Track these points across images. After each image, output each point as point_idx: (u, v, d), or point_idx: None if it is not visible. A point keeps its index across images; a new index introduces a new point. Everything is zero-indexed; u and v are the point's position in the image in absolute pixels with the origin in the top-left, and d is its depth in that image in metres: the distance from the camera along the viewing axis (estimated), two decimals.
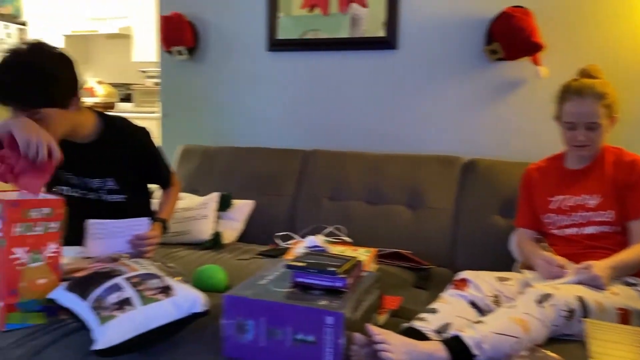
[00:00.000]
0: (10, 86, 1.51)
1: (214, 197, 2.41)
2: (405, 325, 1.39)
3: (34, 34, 5.57)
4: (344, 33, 2.60)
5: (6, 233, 1.31)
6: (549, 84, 2.18)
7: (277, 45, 2.70)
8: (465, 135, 2.44)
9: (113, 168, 1.77)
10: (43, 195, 1.45)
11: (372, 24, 2.54)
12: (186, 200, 2.39)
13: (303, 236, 2.24)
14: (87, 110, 1.74)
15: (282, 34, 2.69)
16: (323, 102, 2.67)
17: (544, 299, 1.33)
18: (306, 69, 2.68)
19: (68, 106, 1.60)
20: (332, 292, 1.26)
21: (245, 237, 2.41)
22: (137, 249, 1.68)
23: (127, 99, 5.34)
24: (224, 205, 2.41)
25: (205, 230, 2.29)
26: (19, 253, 1.33)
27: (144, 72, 5.33)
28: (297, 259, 1.35)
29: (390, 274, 1.88)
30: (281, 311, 1.19)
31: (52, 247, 1.40)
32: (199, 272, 1.75)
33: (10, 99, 1.53)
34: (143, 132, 1.82)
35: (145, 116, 4.21)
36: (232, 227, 2.40)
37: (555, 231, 1.74)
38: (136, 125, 1.81)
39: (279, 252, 2.15)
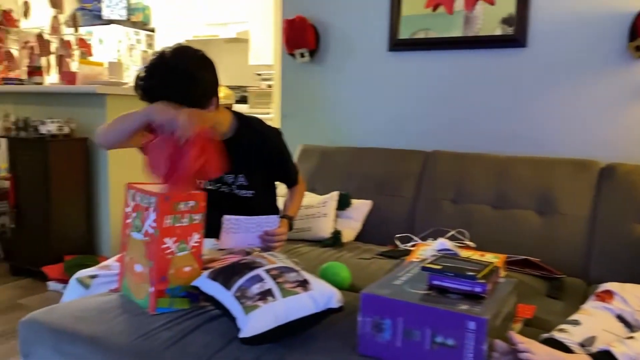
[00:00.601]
0: (156, 88, 1.58)
1: (333, 196, 2.45)
2: (545, 335, 1.32)
3: (160, 40, 6.02)
4: (456, 32, 2.54)
5: (159, 224, 1.41)
6: None
7: (398, 45, 2.69)
8: (603, 138, 2.28)
9: (244, 165, 1.83)
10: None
11: (488, 22, 2.46)
12: (307, 198, 2.44)
13: (423, 239, 2.21)
14: (225, 110, 1.82)
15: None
16: (445, 102, 2.62)
17: None
18: (428, 69, 2.64)
19: (209, 106, 1.67)
20: (471, 297, 1.22)
21: (362, 236, 2.42)
22: (267, 244, 1.75)
23: (242, 100, 5.57)
24: (343, 204, 2.44)
25: (325, 228, 2.34)
26: (169, 243, 1.43)
27: (259, 74, 5.54)
28: (432, 262, 1.33)
29: (520, 282, 1.79)
30: (420, 313, 1.18)
31: (195, 238, 1.49)
32: (324, 269, 1.79)
33: (156, 100, 1.59)
34: (276, 133, 1.88)
35: (260, 117, 4.35)
36: (351, 226, 2.42)
37: None
38: (270, 126, 1.87)
39: (400, 254, 2.14)
